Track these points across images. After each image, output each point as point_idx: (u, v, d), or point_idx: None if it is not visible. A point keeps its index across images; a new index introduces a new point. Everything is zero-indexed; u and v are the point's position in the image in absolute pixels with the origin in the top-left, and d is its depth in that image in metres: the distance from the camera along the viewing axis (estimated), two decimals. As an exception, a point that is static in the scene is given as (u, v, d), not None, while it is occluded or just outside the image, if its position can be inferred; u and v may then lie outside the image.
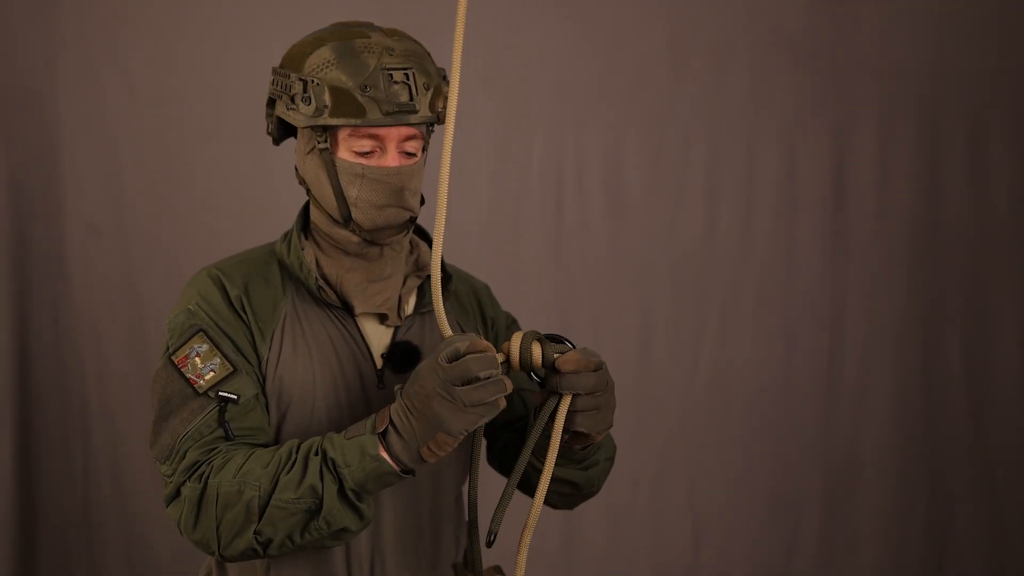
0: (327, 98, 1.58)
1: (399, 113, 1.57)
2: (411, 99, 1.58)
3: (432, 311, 1.75)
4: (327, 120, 1.58)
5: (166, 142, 2.81)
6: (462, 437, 1.45)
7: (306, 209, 1.74)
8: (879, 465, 3.06)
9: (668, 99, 2.98)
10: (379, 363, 1.69)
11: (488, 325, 1.83)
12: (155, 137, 2.81)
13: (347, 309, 1.68)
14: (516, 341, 1.51)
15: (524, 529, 1.54)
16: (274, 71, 1.66)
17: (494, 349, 1.47)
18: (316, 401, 1.65)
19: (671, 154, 2.99)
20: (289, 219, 1.80)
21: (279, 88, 1.64)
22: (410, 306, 1.74)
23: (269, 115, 1.69)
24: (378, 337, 1.70)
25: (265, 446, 1.61)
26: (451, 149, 1.52)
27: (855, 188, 3.02)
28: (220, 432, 1.57)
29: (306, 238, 1.71)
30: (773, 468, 3.07)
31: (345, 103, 1.57)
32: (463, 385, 1.43)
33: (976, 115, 2.99)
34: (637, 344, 3.02)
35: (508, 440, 1.80)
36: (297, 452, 1.52)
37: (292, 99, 1.61)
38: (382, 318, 1.69)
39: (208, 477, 1.53)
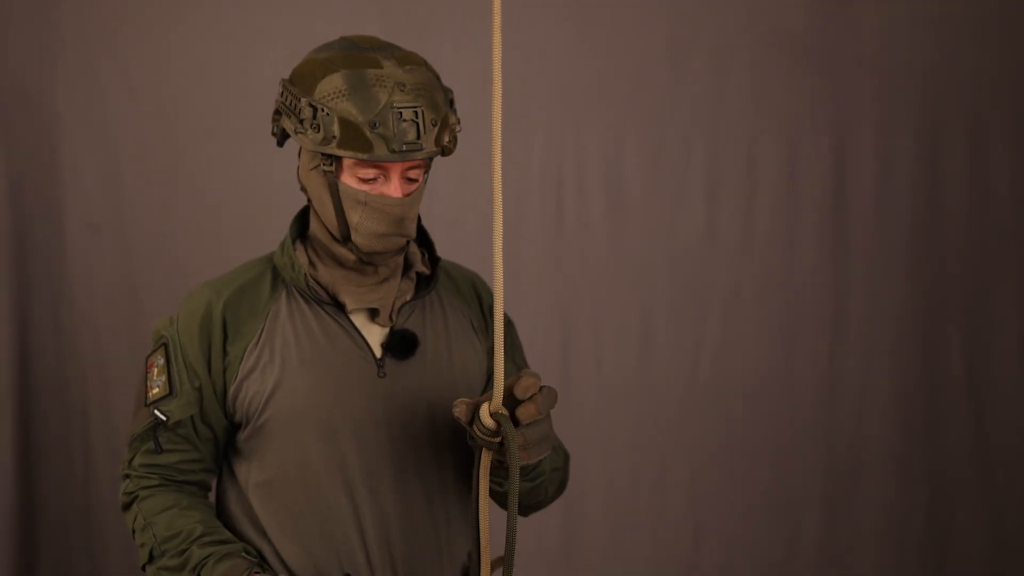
0: (336, 129, 1.61)
1: (405, 151, 1.61)
2: (418, 137, 1.61)
3: (428, 295, 1.77)
4: (334, 150, 1.61)
5: (166, 142, 2.81)
6: None
7: (302, 214, 1.77)
8: (879, 465, 3.06)
9: (668, 99, 2.97)
10: (379, 353, 1.71)
11: (486, 313, 1.85)
12: (155, 137, 2.81)
13: (339, 306, 1.71)
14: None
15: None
16: (283, 84, 1.67)
17: None
18: (306, 399, 1.68)
19: (671, 154, 2.99)
20: (289, 219, 1.82)
21: (287, 105, 1.66)
22: (407, 296, 1.76)
23: (275, 122, 1.70)
24: (375, 332, 1.73)
25: (200, 461, 1.74)
26: (500, 178, 1.58)
27: (855, 188, 3.02)
28: (152, 444, 1.72)
29: (303, 243, 1.75)
30: (773, 468, 3.07)
31: (353, 137, 1.60)
32: None
33: (976, 115, 2.99)
34: (637, 344, 3.02)
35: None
36: (188, 546, 1.66)
37: (301, 122, 1.64)
38: (373, 314, 1.72)
39: (135, 500, 1.73)
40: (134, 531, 1.74)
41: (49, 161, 2.78)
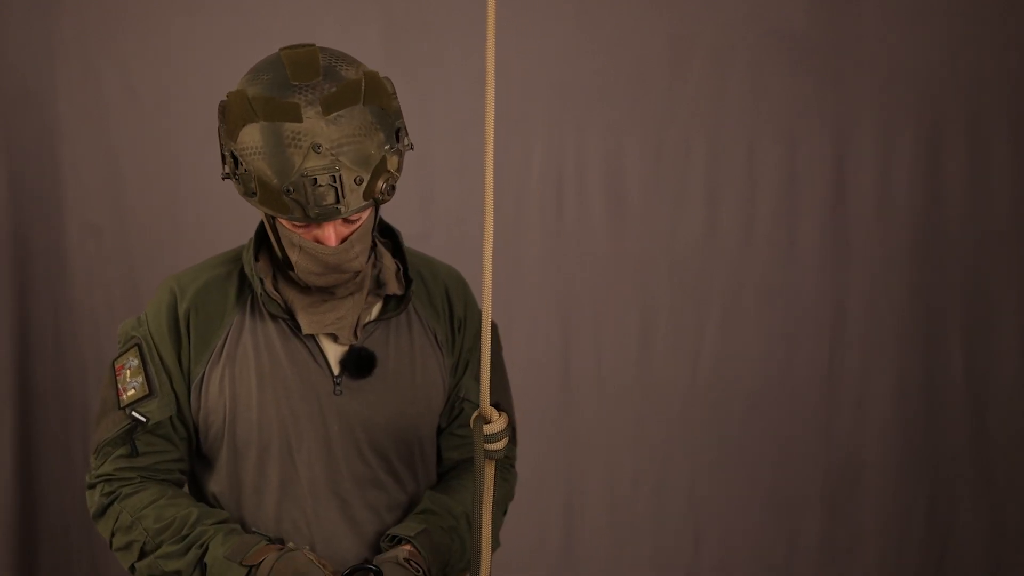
0: (255, 186, 1.56)
1: (323, 215, 1.54)
2: (337, 201, 1.53)
3: (397, 316, 1.74)
4: (256, 205, 1.58)
5: (166, 142, 2.81)
6: None
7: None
8: (879, 465, 3.06)
9: (668, 99, 2.97)
10: (336, 370, 1.69)
11: (456, 327, 1.80)
12: (155, 137, 2.81)
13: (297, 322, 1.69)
14: None
15: None
16: (219, 111, 1.61)
17: None
18: (259, 413, 1.67)
19: (671, 154, 2.99)
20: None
21: (221, 141, 1.62)
22: (373, 314, 1.73)
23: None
24: (336, 347, 1.71)
25: (180, 460, 1.70)
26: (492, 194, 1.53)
27: (855, 188, 3.02)
28: (128, 448, 1.68)
29: (267, 251, 1.72)
30: (773, 468, 3.07)
31: (271, 198, 1.55)
32: None
33: (976, 115, 2.99)
34: (637, 344, 3.02)
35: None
36: (191, 530, 1.63)
37: (225, 165, 1.61)
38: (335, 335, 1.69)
39: (115, 500, 1.68)
40: (114, 533, 1.68)
41: (49, 161, 2.78)
